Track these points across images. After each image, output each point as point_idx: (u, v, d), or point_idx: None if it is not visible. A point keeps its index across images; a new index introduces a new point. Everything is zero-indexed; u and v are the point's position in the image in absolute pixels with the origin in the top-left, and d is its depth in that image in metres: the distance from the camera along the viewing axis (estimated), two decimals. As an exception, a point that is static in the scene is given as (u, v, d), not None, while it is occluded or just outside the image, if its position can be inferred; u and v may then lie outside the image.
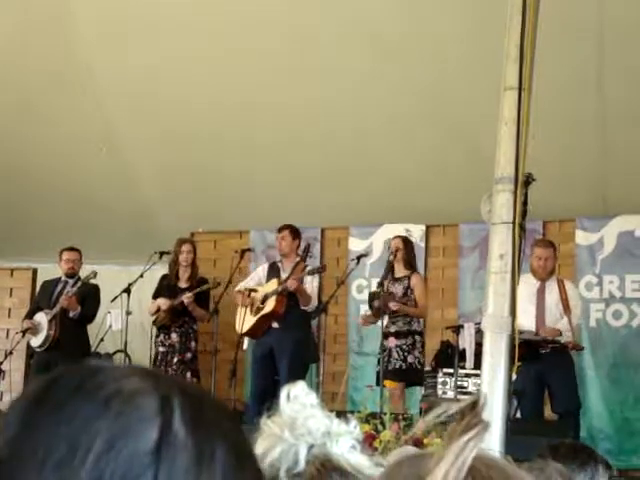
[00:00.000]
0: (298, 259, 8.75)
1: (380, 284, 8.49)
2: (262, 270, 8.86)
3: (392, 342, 8.41)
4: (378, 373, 8.47)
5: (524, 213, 5.72)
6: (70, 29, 8.85)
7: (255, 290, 8.68)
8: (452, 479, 0.80)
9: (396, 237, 8.83)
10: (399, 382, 8.27)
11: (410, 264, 8.58)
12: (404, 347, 8.39)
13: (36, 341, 9.27)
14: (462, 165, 9.04)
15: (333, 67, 8.71)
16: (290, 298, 8.55)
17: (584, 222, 9.63)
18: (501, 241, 5.62)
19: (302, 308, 8.61)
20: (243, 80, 8.98)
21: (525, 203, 5.72)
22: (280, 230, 8.81)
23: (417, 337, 8.53)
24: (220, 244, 10.90)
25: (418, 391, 9.10)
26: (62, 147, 9.98)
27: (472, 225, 9.55)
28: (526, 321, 8.10)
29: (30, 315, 9.43)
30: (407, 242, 8.74)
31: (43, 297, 9.49)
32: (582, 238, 9.57)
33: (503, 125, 5.69)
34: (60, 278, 9.53)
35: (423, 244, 10.22)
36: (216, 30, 8.67)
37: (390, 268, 8.58)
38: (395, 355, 8.40)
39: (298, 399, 1.41)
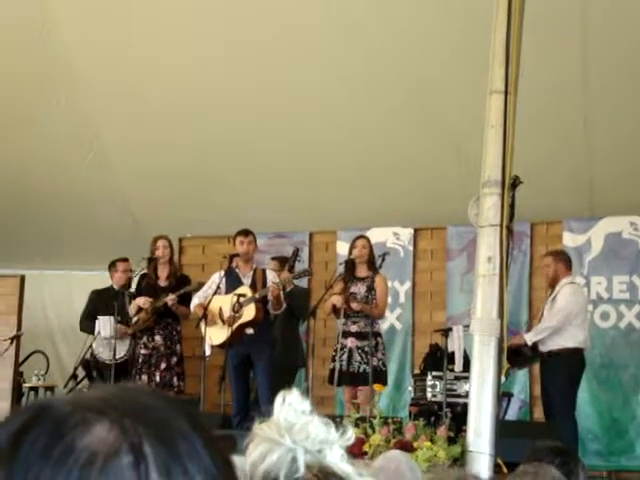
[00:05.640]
0: (255, 266, 8.67)
1: (342, 281, 8.43)
2: (219, 278, 8.53)
3: (352, 342, 8.28)
4: (332, 371, 8.36)
5: (511, 215, 5.74)
6: (54, 34, 8.82)
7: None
8: None
9: (361, 237, 8.70)
10: (364, 385, 8.14)
11: (373, 265, 8.56)
12: (366, 349, 8.23)
13: (107, 353, 8.95)
14: (449, 168, 9.05)
15: (324, 73, 8.70)
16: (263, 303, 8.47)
17: (571, 224, 9.65)
18: (489, 244, 5.63)
19: (272, 312, 8.52)
20: (232, 83, 8.96)
21: (512, 206, 5.74)
22: (246, 234, 8.58)
23: (379, 339, 8.41)
24: (208, 249, 10.88)
25: (407, 394, 9.09)
26: (49, 154, 9.94)
27: (460, 228, 9.56)
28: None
29: (91, 319, 9.11)
30: (370, 243, 8.71)
31: (104, 309, 9.06)
32: (569, 240, 9.59)
33: (489, 128, 5.71)
34: (112, 288, 9.28)
35: (411, 247, 10.23)
36: (203, 34, 8.65)
37: (352, 267, 8.53)
38: (357, 357, 8.26)
39: (292, 405, 1.41)
